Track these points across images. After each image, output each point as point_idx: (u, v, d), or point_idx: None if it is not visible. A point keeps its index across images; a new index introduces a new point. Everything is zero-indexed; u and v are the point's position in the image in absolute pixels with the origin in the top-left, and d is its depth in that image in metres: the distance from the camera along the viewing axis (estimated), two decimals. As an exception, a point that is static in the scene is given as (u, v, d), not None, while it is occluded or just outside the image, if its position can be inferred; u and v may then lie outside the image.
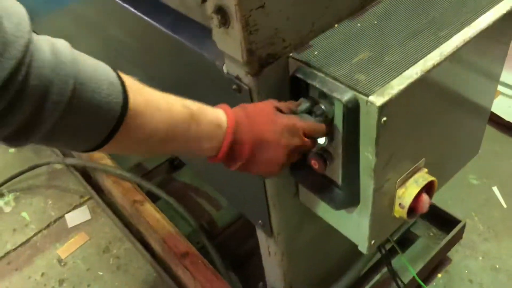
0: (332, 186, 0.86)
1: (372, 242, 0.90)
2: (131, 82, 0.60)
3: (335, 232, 1.06)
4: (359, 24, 0.81)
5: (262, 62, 0.75)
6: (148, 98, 0.62)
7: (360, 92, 0.69)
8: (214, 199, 1.86)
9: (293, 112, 0.75)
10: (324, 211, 0.95)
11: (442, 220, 1.55)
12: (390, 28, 0.79)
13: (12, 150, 2.27)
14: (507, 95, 2.05)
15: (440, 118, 0.85)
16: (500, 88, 2.09)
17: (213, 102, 0.71)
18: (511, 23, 0.82)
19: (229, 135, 0.68)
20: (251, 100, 0.80)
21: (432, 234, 1.56)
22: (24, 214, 1.98)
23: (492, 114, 1.98)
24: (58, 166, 2.12)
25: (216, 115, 0.69)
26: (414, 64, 0.72)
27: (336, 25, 0.82)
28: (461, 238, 1.52)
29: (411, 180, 0.85)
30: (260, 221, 1.06)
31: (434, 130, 0.85)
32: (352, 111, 0.70)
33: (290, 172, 0.91)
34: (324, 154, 0.81)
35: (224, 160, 0.71)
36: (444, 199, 1.67)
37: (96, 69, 0.56)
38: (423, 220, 1.58)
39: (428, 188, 0.87)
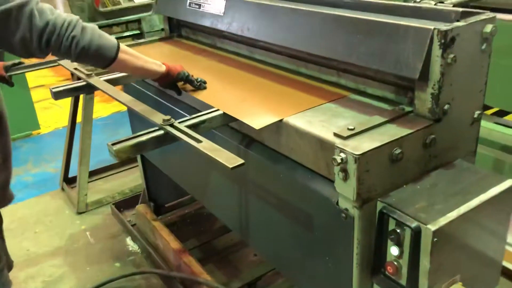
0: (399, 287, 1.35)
1: (424, 332, 1.34)
2: (124, 47, 1.64)
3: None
4: (418, 186, 1.39)
5: (363, 200, 1.31)
6: (128, 55, 1.66)
7: (422, 223, 1.23)
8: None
9: None
10: (390, 308, 1.41)
11: None
12: (438, 190, 1.36)
13: (117, 264, 2.79)
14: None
15: (468, 248, 1.35)
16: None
17: (323, 229, 1.25)
18: (508, 195, 1.37)
19: (167, 65, 1.79)
20: (353, 226, 1.35)
21: None
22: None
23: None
24: (154, 279, 2.61)
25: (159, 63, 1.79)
26: (452, 211, 1.27)
27: (404, 186, 1.39)
28: None
29: (451, 286, 1.33)
30: (342, 315, 1.51)
31: (466, 254, 1.35)
32: (417, 233, 1.24)
33: (371, 276, 1.41)
34: (396, 263, 1.32)
35: (164, 74, 1.79)
36: None
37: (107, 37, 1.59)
38: None
39: (462, 296, 1.34)
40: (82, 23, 1.51)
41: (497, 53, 1.50)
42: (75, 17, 1.51)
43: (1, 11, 1.37)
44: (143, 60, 1.72)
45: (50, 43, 1.45)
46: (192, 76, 1.85)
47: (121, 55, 1.61)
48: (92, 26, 1.55)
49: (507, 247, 2.61)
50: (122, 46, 1.63)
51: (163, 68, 1.77)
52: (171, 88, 1.87)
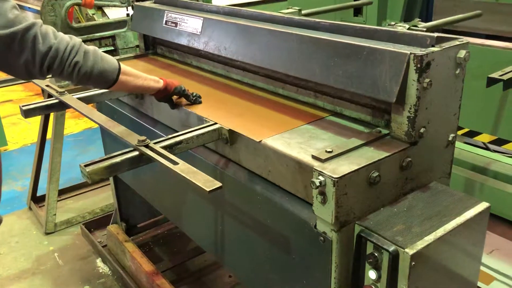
0: (377, 310, 1.33)
1: None
2: (124, 68, 1.65)
3: None
4: (395, 209, 1.39)
5: (341, 224, 1.30)
6: (128, 76, 1.68)
7: (399, 247, 1.23)
8: None
9: None
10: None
11: None
12: (414, 213, 1.36)
13: (87, 287, 2.70)
14: (500, 281, 2.53)
15: (445, 271, 1.36)
16: (495, 275, 2.58)
17: (300, 252, 1.24)
18: (482, 217, 1.39)
19: (164, 80, 1.79)
20: (331, 249, 1.33)
21: None
22: None
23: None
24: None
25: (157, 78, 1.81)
26: (429, 234, 1.27)
27: (381, 208, 1.39)
28: None
29: (429, 310, 1.33)
30: None
31: (443, 277, 1.35)
32: (395, 257, 1.23)
33: (350, 300, 1.39)
34: (374, 287, 1.31)
35: (161, 89, 1.80)
36: None
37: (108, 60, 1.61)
38: None
39: (440, 319, 1.34)
40: (84, 47, 1.53)
41: (468, 74, 1.53)
42: (77, 41, 1.52)
43: (7, 34, 1.35)
44: (142, 78, 1.74)
45: (52, 67, 1.46)
46: (188, 90, 1.87)
47: (121, 77, 1.63)
48: (94, 50, 1.56)
49: (482, 268, 2.65)
50: (123, 67, 1.65)
51: (160, 84, 1.80)
52: (166, 102, 1.88)
